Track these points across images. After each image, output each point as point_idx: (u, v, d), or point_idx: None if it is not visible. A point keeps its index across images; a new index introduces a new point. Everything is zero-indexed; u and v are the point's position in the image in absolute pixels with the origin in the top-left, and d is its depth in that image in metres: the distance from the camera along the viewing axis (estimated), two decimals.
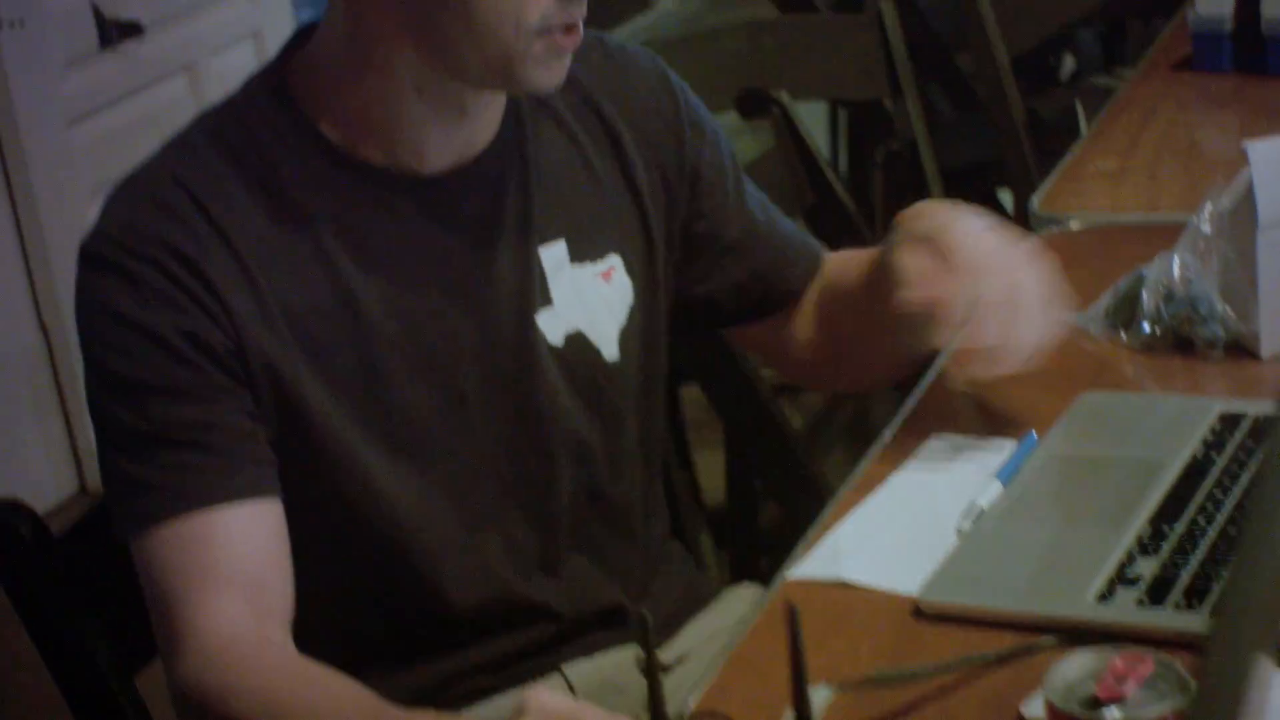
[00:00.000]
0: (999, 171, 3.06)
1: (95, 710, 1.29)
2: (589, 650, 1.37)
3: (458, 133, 1.29)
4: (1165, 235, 1.53)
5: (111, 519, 1.24)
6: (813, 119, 3.87)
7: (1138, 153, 1.90)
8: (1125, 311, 1.48)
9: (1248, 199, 1.38)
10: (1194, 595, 1.10)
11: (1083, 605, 1.12)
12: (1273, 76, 2.06)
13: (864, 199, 2.81)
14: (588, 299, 1.35)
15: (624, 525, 1.40)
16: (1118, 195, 1.81)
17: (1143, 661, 0.95)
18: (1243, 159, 1.40)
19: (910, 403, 1.45)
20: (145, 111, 2.98)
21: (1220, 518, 1.18)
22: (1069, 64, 4.70)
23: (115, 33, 2.86)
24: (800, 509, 1.74)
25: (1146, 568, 1.14)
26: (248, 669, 1.18)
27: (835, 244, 2.26)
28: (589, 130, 1.37)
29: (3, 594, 1.27)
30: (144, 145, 2.89)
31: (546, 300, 1.33)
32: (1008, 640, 1.10)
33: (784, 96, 2.22)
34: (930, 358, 1.44)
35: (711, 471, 2.36)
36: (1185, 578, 1.12)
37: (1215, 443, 1.28)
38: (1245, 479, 1.22)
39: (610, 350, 1.37)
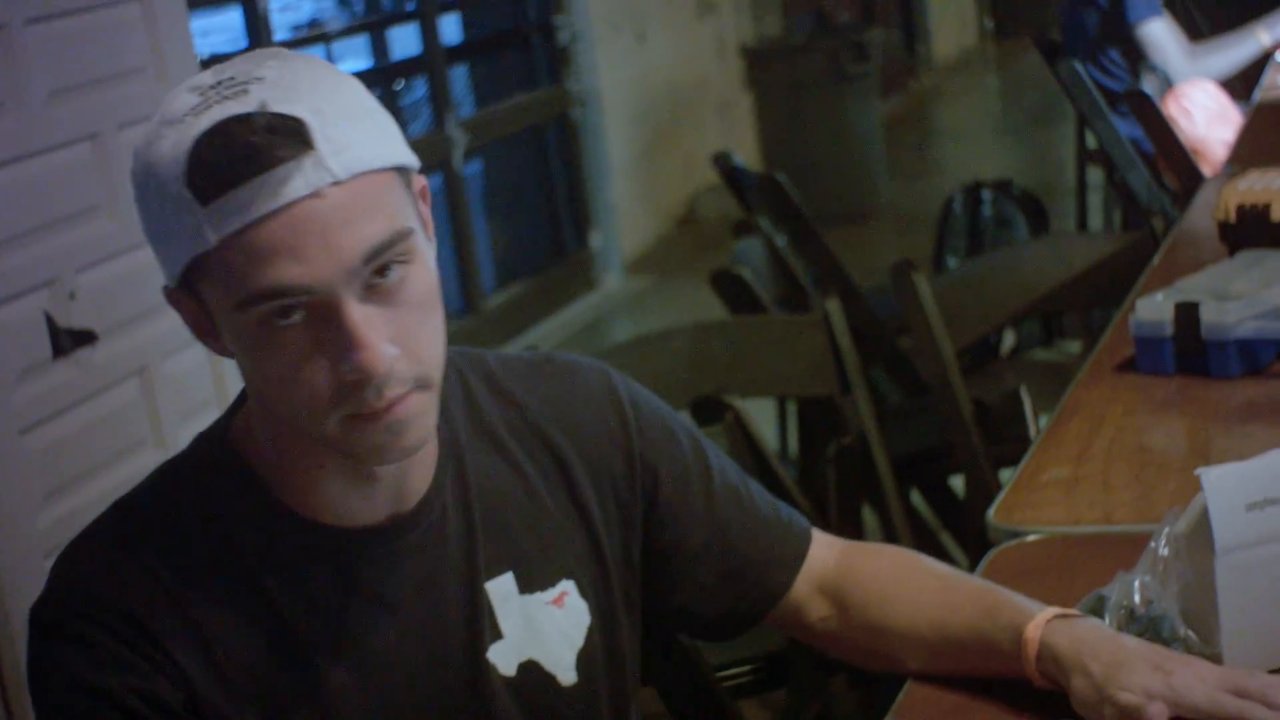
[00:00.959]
0: (949, 459, 3.10)
1: None
2: None
3: (378, 491, 1.30)
4: (1122, 547, 1.55)
5: None
6: (763, 413, 3.93)
7: (1089, 460, 1.92)
8: None
9: (1203, 523, 1.39)
10: None
11: None
12: (1215, 379, 2.10)
13: (818, 493, 2.83)
14: (540, 627, 1.36)
15: None
16: (1073, 505, 1.82)
17: None
18: (1194, 479, 1.41)
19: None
20: (98, 416, 2.98)
21: None
22: (1009, 339, 4.80)
23: (69, 342, 2.88)
24: None
25: None
26: None
27: None
28: (533, 456, 1.38)
29: None
30: (97, 450, 2.93)
31: (497, 635, 1.34)
32: None
33: (736, 403, 2.25)
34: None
35: None
36: None
37: None
38: None
39: (567, 675, 1.36)
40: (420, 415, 1.23)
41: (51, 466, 2.84)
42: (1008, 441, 2.81)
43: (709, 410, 2.33)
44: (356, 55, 6.13)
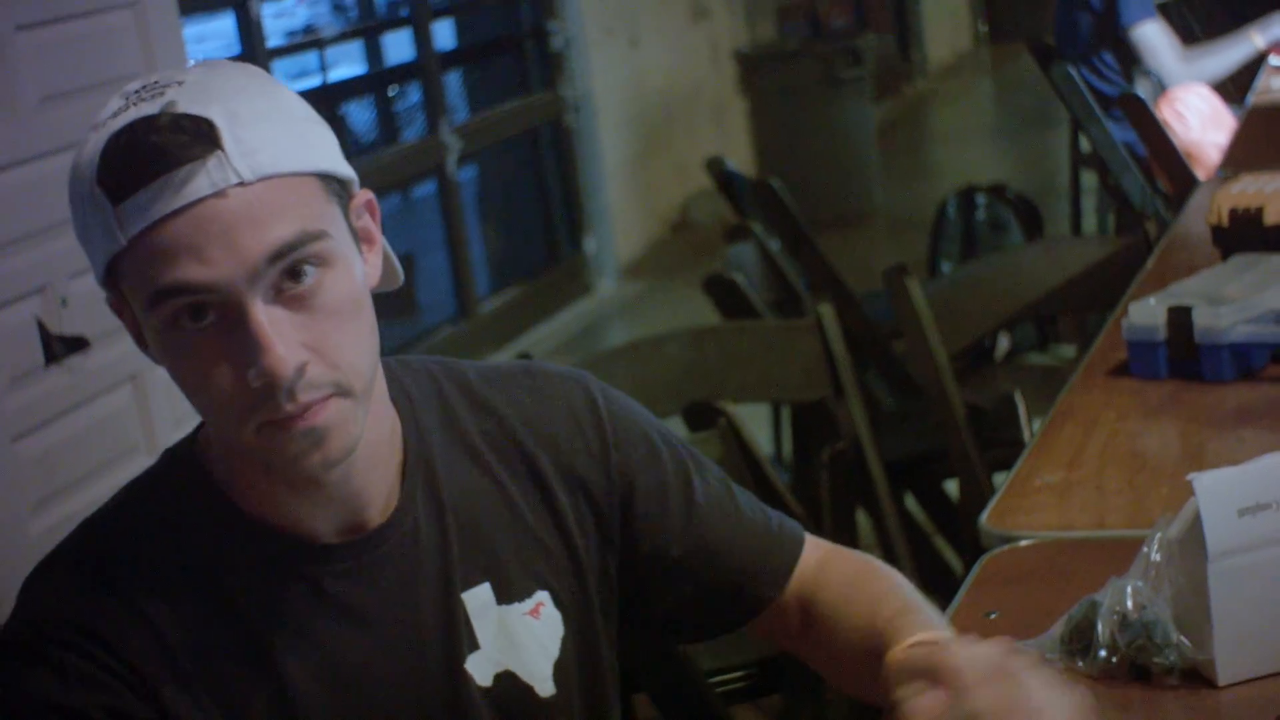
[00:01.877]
0: (943, 463, 3.10)
1: None
2: None
3: (331, 503, 1.28)
4: (1115, 552, 1.55)
5: None
6: (757, 417, 3.93)
7: (1082, 465, 1.92)
8: (1080, 638, 1.48)
9: (1195, 528, 1.39)
10: None
11: None
12: (1209, 383, 2.10)
13: (811, 498, 2.83)
14: (517, 638, 1.35)
15: None
16: (1065, 510, 1.82)
17: None
18: (1187, 484, 1.41)
19: None
20: (90, 423, 2.98)
21: None
22: (1003, 343, 4.80)
23: (61, 348, 2.88)
24: None
25: None
26: None
27: None
28: (510, 466, 1.37)
29: None
30: (89, 457, 2.92)
31: (474, 645, 1.33)
32: None
33: (730, 408, 2.25)
34: None
35: None
36: None
37: None
38: None
39: (544, 687, 1.36)
40: (342, 424, 1.21)
41: (43, 473, 2.84)
42: (1002, 445, 2.81)
43: (702, 415, 2.33)
44: (351, 61, 6.13)
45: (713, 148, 6.77)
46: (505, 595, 1.35)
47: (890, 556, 2.87)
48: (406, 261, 2.08)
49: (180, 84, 1.19)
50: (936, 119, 10.24)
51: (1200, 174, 3.92)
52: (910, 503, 3.22)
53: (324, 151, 1.23)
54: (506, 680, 1.34)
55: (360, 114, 5.95)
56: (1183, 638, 1.42)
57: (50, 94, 2.90)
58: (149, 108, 1.17)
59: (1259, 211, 2.43)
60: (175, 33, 3.24)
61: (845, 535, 2.80)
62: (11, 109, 2.82)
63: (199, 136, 1.16)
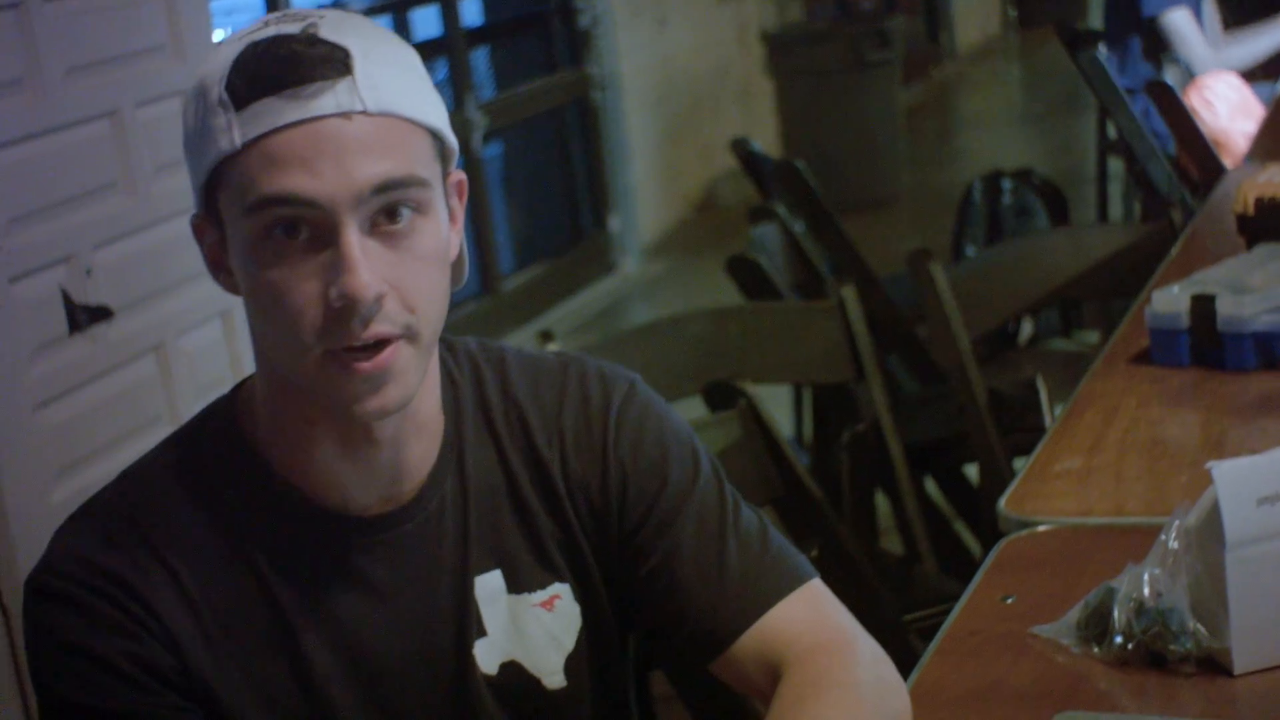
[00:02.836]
0: (964, 447, 3.09)
1: None
2: None
3: (375, 465, 1.29)
4: (1133, 539, 1.54)
5: None
6: (777, 398, 3.92)
7: (1102, 451, 1.92)
8: (1097, 624, 1.48)
9: (1213, 517, 1.39)
10: None
11: None
12: (1230, 372, 2.09)
13: (831, 480, 2.83)
14: (525, 628, 1.35)
15: None
16: (1084, 496, 1.82)
17: None
18: (1206, 472, 1.41)
19: None
20: (114, 392, 2.99)
21: None
22: (1027, 328, 4.78)
23: (85, 318, 2.89)
24: None
25: None
26: None
27: (805, 535, 2.29)
28: (523, 458, 1.37)
29: None
30: (112, 426, 2.94)
31: (481, 631, 1.34)
32: None
33: (750, 389, 2.25)
34: None
35: None
36: None
37: None
38: None
39: (553, 679, 1.36)
40: (404, 372, 1.22)
41: (66, 442, 2.85)
42: (1023, 431, 2.80)
43: (723, 395, 2.33)
44: None
45: (739, 128, 6.76)
46: (516, 585, 1.35)
47: (909, 540, 2.87)
48: None
49: (321, 17, 1.23)
50: (964, 103, 10.20)
51: (1228, 162, 3.90)
52: (930, 486, 3.22)
53: (439, 113, 1.26)
54: (512, 670, 1.34)
55: None
56: (1199, 625, 1.42)
57: (76, 65, 2.90)
58: (292, 27, 1.21)
59: None
60: (202, 4, 3.24)
61: (864, 518, 2.80)
62: (38, 80, 2.82)
63: (333, 60, 1.20)
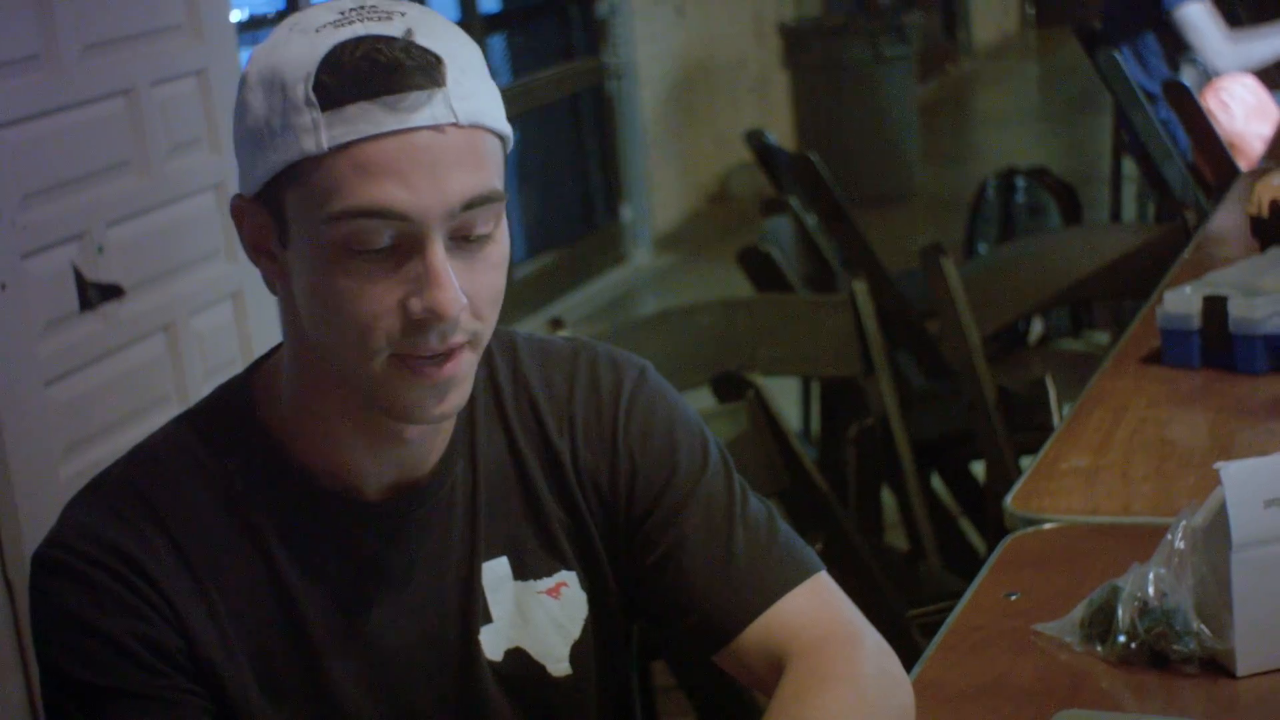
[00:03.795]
0: (971, 444, 3.09)
1: None
2: None
3: (398, 457, 1.30)
4: (1139, 539, 1.54)
5: None
6: (786, 392, 3.92)
7: (1110, 451, 1.91)
8: (1100, 623, 1.48)
9: (1220, 517, 1.39)
10: None
11: None
12: (1240, 374, 2.09)
13: (838, 474, 2.82)
14: (531, 616, 1.34)
15: None
16: (1092, 495, 1.81)
17: None
18: (1214, 473, 1.41)
19: None
20: (123, 370, 3.00)
21: None
22: (1037, 328, 4.78)
23: (96, 295, 2.89)
24: None
25: None
26: None
27: (810, 528, 2.29)
28: (533, 444, 1.36)
29: None
30: (121, 404, 2.94)
31: (487, 618, 1.33)
32: None
33: (758, 380, 2.25)
34: None
35: None
36: None
37: None
38: None
39: (559, 667, 1.35)
40: (465, 378, 1.24)
41: (75, 419, 2.86)
42: (1031, 429, 2.80)
43: (731, 387, 2.33)
44: None
45: (754, 120, 6.75)
46: (522, 572, 1.35)
47: (914, 535, 2.87)
48: None
49: (404, 15, 1.20)
50: (980, 100, 10.19)
51: (1243, 165, 3.89)
52: (936, 483, 3.22)
53: (504, 116, 1.26)
54: (517, 657, 1.34)
55: None
56: (1203, 626, 1.42)
57: (93, 43, 2.90)
58: (384, 28, 1.19)
59: None
60: None
61: (870, 513, 2.80)
62: (54, 57, 2.82)
63: (430, 69, 1.18)
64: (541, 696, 1.35)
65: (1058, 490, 1.83)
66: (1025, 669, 1.45)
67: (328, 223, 1.18)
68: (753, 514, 1.37)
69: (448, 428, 1.32)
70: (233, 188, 1.30)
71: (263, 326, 3.24)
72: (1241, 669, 1.40)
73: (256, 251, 1.25)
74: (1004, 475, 2.64)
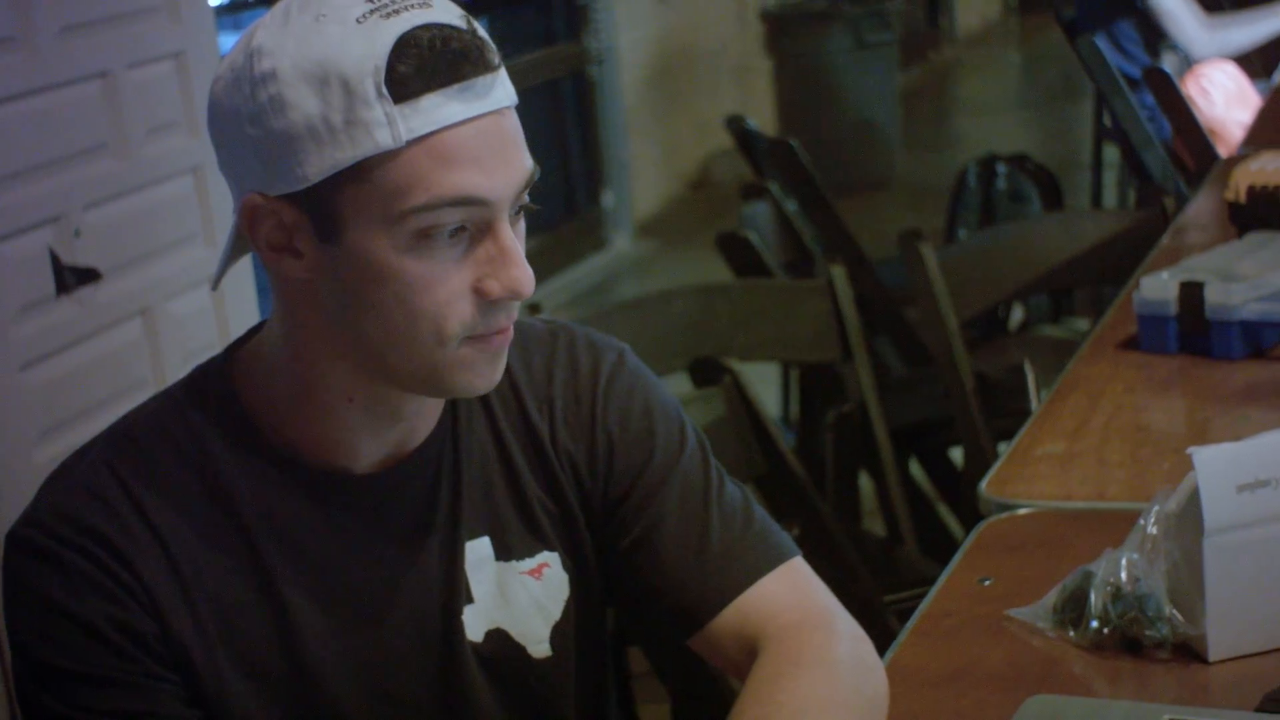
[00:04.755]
0: (949, 430, 3.09)
1: None
2: None
3: (391, 433, 1.30)
4: (1113, 524, 1.54)
5: None
6: (765, 377, 3.92)
7: (1085, 436, 1.92)
8: (1073, 608, 1.48)
9: (1193, 503, 1.39)
10: None
11: None
12: (1217, 360, 2.09)
13: (815, 460, 2.82)
14: (513, 596, 1.34)
15: None
16: (1066, 481, 1.81)
17: None
18: (1188, 459, 1.41)
19: None
20: (99, 354, 2.98)
21: None
22: (1017, 315, 4.78)
23: (72, 279, 2.87)
24: None
25: None
26: None
27: (787, 514, 2.29)
28: (513, 425, 1.36)
29: None
30: (97, 388, 2.93)
31: (469, 598, 1.33)
32: None
33: (735, 365, 2.25)
34: None
35: None
36: None
37: None
38: None
39: (539, 648, 1.35)
40: (508, 350, 1.26)
41: (50, 403, 2.84)
42: (1009, 415, 2.80)
43: (708, 372, 2.32)
44: None
45: (736, 107, 6.74)
46: (504, 552, 1.34)
47: (892, 521, 2.86)
48: None
49: (430, 6, 1.19)
50: (962, 87, 10.18)
51: (1223, 151, 3.89)
52: (915, 469, 3.22)
53: None
54: (497, 638, 1.34)
55: None
56: (1175, 612, 1.42)
57: (69, 24, 2.88)
58: (435, 15, 1.18)
59: (1277, 189, 2.41)
60: None
61: (847, 498, 2.80)
62: (31, 38, 2.80)
63: (489, 54, 1.20)
64: (521, 677, 1.35)
65: (1032, 476, 1.83)
66: (997, 654, 1.45)
67: (405, 216, 1.17)
68: (729, 499, 1.37)
69: (435, 407, 1.32)
70: (211, 171, 1.29)
71: (240, 311, 3.22)
72: (1213, 654, 1.41)
73: (277, 250, 1.22)
74: (982, 461, 2.64)
